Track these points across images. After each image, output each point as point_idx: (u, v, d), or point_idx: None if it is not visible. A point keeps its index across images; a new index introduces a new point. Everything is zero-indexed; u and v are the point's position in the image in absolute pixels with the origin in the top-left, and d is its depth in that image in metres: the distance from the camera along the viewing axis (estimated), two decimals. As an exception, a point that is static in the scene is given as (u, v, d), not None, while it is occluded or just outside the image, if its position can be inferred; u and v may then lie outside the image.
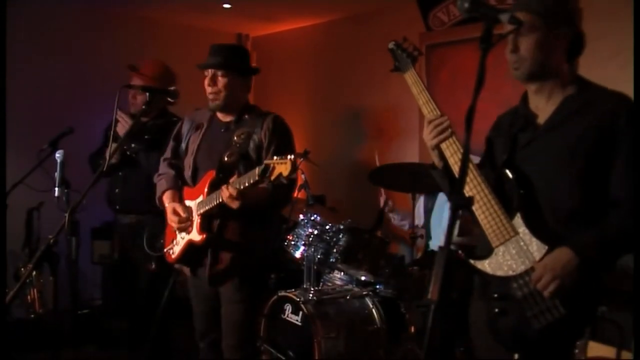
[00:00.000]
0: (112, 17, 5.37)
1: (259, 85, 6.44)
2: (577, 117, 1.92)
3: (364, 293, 3.85)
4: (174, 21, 5.75)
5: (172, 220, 2.74)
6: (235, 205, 2.46)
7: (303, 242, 3.95)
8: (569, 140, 1.91)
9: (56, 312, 3.85)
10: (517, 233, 1.90)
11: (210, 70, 2.72)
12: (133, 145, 3.55)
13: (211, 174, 2.65)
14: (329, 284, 4.10)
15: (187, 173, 2.82)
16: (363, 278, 4.07)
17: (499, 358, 1.97)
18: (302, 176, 4.78)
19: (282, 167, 2.28)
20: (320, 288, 3.89)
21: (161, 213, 3.46)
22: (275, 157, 2.31)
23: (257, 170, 2.30)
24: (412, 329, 3.67)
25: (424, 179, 3.86)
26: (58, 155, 3.22)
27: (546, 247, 1.86)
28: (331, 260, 3.96)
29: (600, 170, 1.87)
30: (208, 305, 2.81)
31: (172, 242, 2.78)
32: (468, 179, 1.94)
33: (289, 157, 2.28)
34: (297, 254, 3.91)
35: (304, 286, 3.77)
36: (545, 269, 1.83)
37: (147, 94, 2.81)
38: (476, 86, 1.52)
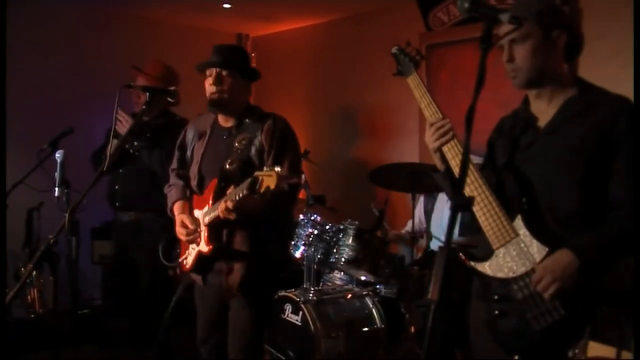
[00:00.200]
0: (112, 17, 5.37)
1: (259, 85, 6.42)
2: (578, 120, 1.92)
3: (364, 293, 3.85)
4: (174, 21, 5.75)
5: (180, 232, 2.72)
6: (232, 217, 2.44)
7: (303, 242, 3.95)
8: (569, 143, 1.91)
9: (56, 312, 3.86)
10: (517, 235, 1.90)
11: (214, 70, 2.68)
12: (135, 143, 3.55)
13: (214, 183, 2.63)
14: (329, 284, 4.10)
15: (193, 182, 2.79)
16: (363, 278, 4.07)
17: (498, 359, 1.97)
18: (302, 176, 4.78)
19: (268, 179, 2.26)
20: (320, 288, 3.89)
21: (161, 211, 3.47)
22: (264, 168, 2.30)
23: (245, 184, 2.28)
24: (412, 329, 3.67)
25: (424, 179, 3.87)
26: (58, 155, 3.22)
27: (546, 249, 1.86)
28: (331, 260, 3.97)
29: (600, 173, 1.87)
30: (213, 314, 2.78)
31: (186, 252, 2.77)
32: (469, 181, 1.94)
33: (275, 169, 2.25)
34: (297, 254, 3.91)
35: (304, 286, 3.78)
36: (545, 271, 1.83)
37: (148, 94, 2.80)
38: (476, 86, 1.52)
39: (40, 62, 4.93)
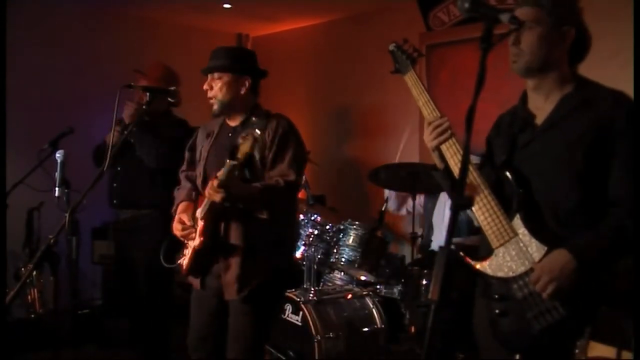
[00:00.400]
0: (112, 17, 5.37)
1: (260, 85, 6.44)
2: (576, 115, 1.91)
3: (364, 293, 3.85)
4: (174, 21, 5.75)
5: (176, 228, 2.71)
6: (218, 197, 2.42)
7: (303, 242, 3.96)
8: (567, 139, 1.90)
9: (56, 312, 3.86)
10: (516, 234, 1.90)
11: (208, 75, 2.70)
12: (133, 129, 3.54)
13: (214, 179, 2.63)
14: (329, 284, 4.10)
15: (199, 180, 2.78)
16: (363, 278, 4.08)
17: (501, 358, 1.97)
18: (302, 176, 4.78)
19: (245, 143, 2.30)
20: (320, 288, 3.89)
21: (159, 209, 3.47)
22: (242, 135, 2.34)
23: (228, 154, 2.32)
24: (412, 329, 3.67)
25: (424, 179, 3.88)
26: (58, 155, 3.21)
27: (545, 248, 1.86)
28: (331, 260, 3.97)
29: (599, 170, 1.86)
30: (209, 319, 2.72)
31: (185, 252, 2.75)
32: (468, 180, 1.94)
33: (255, 132, 2.30)
34: (297, 254, 3.92)
35: (304, 286, 3.78)
36: (543, 271, 1.83)
37: (148, 94, 2.80)
38: (476, 86, 1.52)
39: (40, 62, 4.93)
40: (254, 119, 2.69)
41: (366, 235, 3.92)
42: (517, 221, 1.91)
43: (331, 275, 4.15)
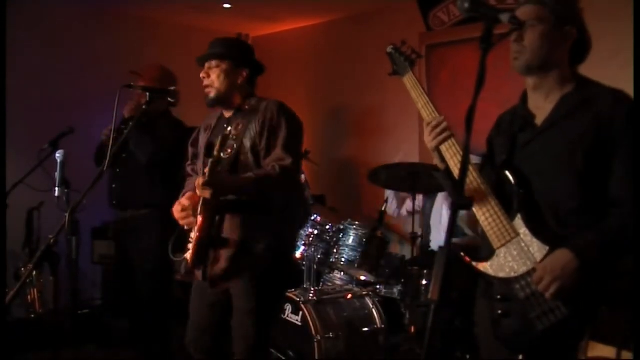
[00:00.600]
0: (112, 17, 5.37)
1: (259, 85, 6.44)
2: (576, 115, 1.91)
3: (364, 293, 3.85)
4: (174, 21, 5.75)
5: (176, 210, 2.67)
6: (207, 194, 2.40)
7: (303, 242, 3.96)
8: (567, 139, 1.90)
9: (56, 312, 3.85)
10: (518, 234, 1.90)
11: (205, 65, 2.67)
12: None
13: (200, 178, 2.61)
14: (329, 284, 4.10)
15: (201, 173, 2.78)
16: (363, 278, 4.08)
17: (503, 359, 1.97)
18: (302, 176, 4.78)
19: (217, 141, 2.30)
20: (320, 288, 3.89)
21: (158, 209, 3.47)
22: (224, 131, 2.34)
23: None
24: (412, 329, 3.67)
25: (424, 178, 3.87)
26: (58, 155, 3.21)
27: (547, 248, 1.86)
28: (331, 260, 3.97)
29: (599, 170, 1.86)
30: (209, 311, 2.68)
31: (189, 246, 2.74)
32: (468, 181, 1.94)
33: (225, 130, 2.32)
34: (297, 254, 3.92)
35: (304, 286, 3.78)
36: (545, 271, 1.83)
37: (148, 94, 2.79)
38: (476, 86, 1.52)
39: (40, 62, 4.93)
40: (246, 107, 2.66)
41: (366, 235, 3.92)
42: (518, 221, 1.91)
43: (331, 275, 4.15)
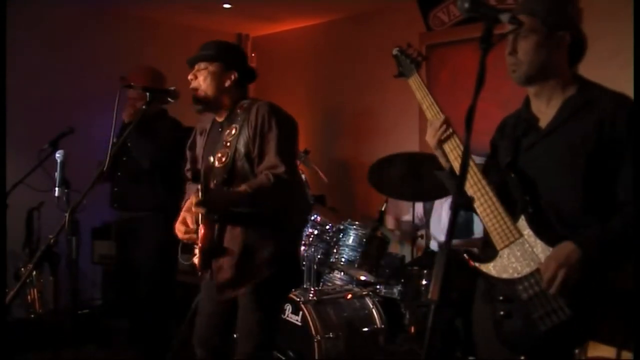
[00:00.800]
0: (112, 17, 5.37)
1: (259, 85, 6.44)
2: (578, 118, 1.92)
3: (364, 293, 3.85)
4: (174, 21, 5.75)
5: (178, 229, 2.65)
6: (201, 211, 2.44)
7: (303, 242, 3.95)
8: (570, 142, 1.91)
9: (56, 312, 3.86)
10: (521, 235, 1.90)
11: (195, 66, 2.64)
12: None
13: (194, 196, 2.56)
14: (329, 284, 4.10)
15: (201, 179, 2.77)
16: (363, 278, 4.08)
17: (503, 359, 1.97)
18: (302, 176, 4.78)
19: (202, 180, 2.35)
20: (320, 288, 3.89)
21: (160, 211, 3.47)
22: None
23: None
24: (412, 329, 3.67)
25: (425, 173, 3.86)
26: (58, 155, 3.21)
27: (551, 249, 1.86)
28: (331, 260, 3.97)
29: (603, 172, 1.87)
30: (218, 309, 2.67)
31: (195, 252, 2.74)
32: (472, 181, 1.94)
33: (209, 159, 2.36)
34: (297, 254, 3.92)
35: (304, 286, 3.78)
36: (549, 260, 1.83)
37: (148, 94, 2.79)
38: (476, 86, 1.52)
39: (40, 62, 4.93)
40: (237, 111, 2.62)
41: (366, 235, 3.92)
42: (522, 222, 1.91)
43: (331, 275, 4.14)
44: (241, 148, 2.54)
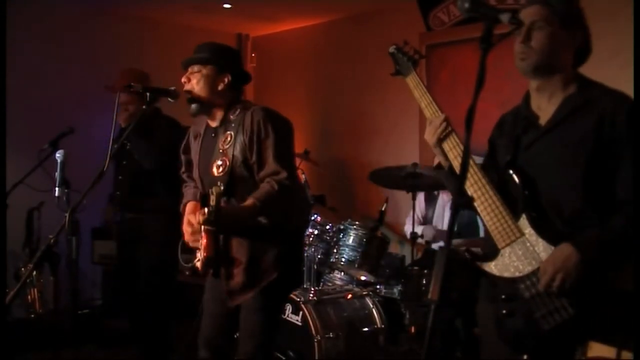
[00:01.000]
0: (112, 17, 5.37)
1: (259, 85, 6.45)
2: (578, 116, 1.92)
3: (364, 293, 3.85)
4: (174, 21, 5.75)
5: (186, 231, 2.66)
6: (211, 228, 2.42)
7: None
8: (570, 140, 1.91)
9: (56, 312, 3.86)
10: (523, 234, 1.89)
11: (188, 69, 2.62)
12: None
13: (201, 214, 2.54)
14: (329, 284, 4.10)
15: (199, 186, 2.74)
16: (363, 278, 4.08)
17: (507, 359, 1.97)
18: (302, 176, 4.78)
19: (212, 196, 2.29)
20: (320, 288, 3.89)
21: (162, 211, 3.46)
22: (218, 183, 2.35)
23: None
24: (412, 329, 3.67)
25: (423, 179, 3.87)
26: (58, 155, 3.21)
27: (552, 248, 1.86)
28: (331, 260, 3.97)
29: (603, 171, 1.87)
30: (222, 308, 2.65)
31: (198, 254, 2.73)
32: (472, 180, 1.94)
33: (220, 187, 2.33)
34: (298, 254, 3.92)
35: (304, 286, 3.78)
36: (547, 264, 1.83)
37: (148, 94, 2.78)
38: (476, 86, 1.52)
39: (40, 62, 4.94)
40: (231, 117, 2.60)
41: (366, 235, 3.92)
42: (523, 221, 1.91)
43: (331, 275, 4.14)
44: (238, 155, 2.53)
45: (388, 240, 4.09)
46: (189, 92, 2.58)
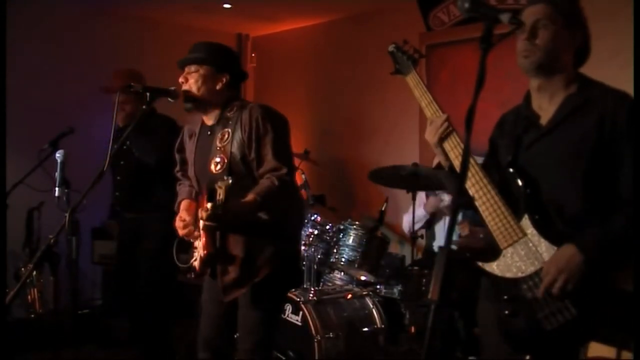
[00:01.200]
0: (112, 17, 5.37)
1: (259, 85, 6.45)
2: (579, 116, 1.92)
3: (364, 293, 3.85)
4: (174, 21, 5.75)
5: (178, 226, 2.68)
6: (213, 225, 2.41)
7: (303, 242, 3.95)
8: (571, 139, 1.90)
9: (56, 312, 3.86)
10: (525, 234, 1.89)
11: (185, 68, 2.62)
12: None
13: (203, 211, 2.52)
14: (329, 284, 4.10)
15: (194, 184, 2.75)
16: (363, 278, 4.08)
17: (508, 359, 1.96)
18: (302, 176, 4.78)
19: (220, 190, 2.26)
20: (320, 288, 3.89)
21: (162, 211, 3.47)
22: (224, 177, 2.31)
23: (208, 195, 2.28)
24: (412, 329, 3.67)
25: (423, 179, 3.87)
26: (58, 155, 3.21)
27: (555, 248, 1.85)
28: (331, 260, 3.97)
29: (604, 170, 1.87)
30: (221, 308, 2.66)
31: (194, 255, 2.73)
32: (474, 180, 1.94)
33: (228, 180, 2.27)
34: (297, 254, 3.92)
35: (304, 286, 3.78)
36: (550, 264, 1.83)
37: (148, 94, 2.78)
38: (476, 86, 1.52)
39: (40, 62, 4.93)
40: (227, 114, 2.60)
41: (366, 235, 3.92)
42: (526, 221, 1.90)
43: (331, 275, 4.14)
44: (236, 152, 2.53)
45: (388, 240, 4.09)
46: (188, 91, 2.58)
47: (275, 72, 6.22)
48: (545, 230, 1.88)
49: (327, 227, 4.04)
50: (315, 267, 3.87)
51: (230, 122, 2.58)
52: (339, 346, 3.51)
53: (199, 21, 5.74)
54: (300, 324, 3.53)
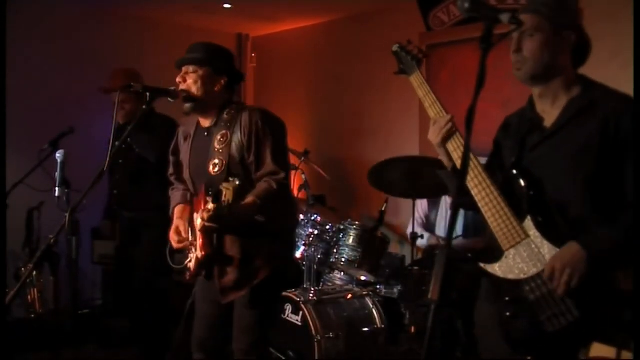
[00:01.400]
0: (112, 17, 5.37)
1: (259, 85, 6.45)
2: (582, 119, 1.91)
3: (364, 293, 3.85)
4: (174, 21, 5.75)
5: (172, 239, 2.67)
6: (214, 226, 2.42)
7: (303, 242, 3.96)
8: (575, 143, 1.90)
9: (56, 312, 3.86)
10: (528, 236, 1.89)
11: (183, 68, 2.62)
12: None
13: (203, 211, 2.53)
14: (329, 284, 4.10)
15: (189, 187, 2.75)
16: (363, 278, 4.08)
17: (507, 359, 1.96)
18: (302, 176, 4.78)
19: (228, 192, 2.25)
20: (320, 288, 3.89)
21: (160, 210, 3.47)
22: (230, 179, 2.30)
23: (213, 196, 2.28)
24: (412, 329, 3.67)
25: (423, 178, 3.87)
26: (58, 155, 3.22)
27: (558, 250, 1.86)
28: (331, 260, 3.97)
29: (608, 173, 1.87)
30: (215, 308, 2.68)
31: (190, 256, 2.73)
32: (477, 181, 1.94)
33: (235, 182, 2.26)
34: (297, 254, 3.92)
35: (304, 286, 3.78)
36: (555, 260, 1.83)
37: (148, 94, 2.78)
38: (476, 86, 1.52)
39: (40, 62, 4.93)
40: (224, 116, 2.60)
41: (366, 235, 3.92)
42: (529, 223, 1.90)
43: (331, 275, 4.14)
44: (235, 154, 2.53)
45: (388, 240, 4.09)
46: (186, 91, 2.58)
47: (275, 72, 6.22)
48: (548, 232, 1.88)
49: (327, 227, 4.04)
50: (315, 267, 3.87)
51: (228, 124, 2.58)
52: (339, 346, 3.51)
53: (199, 21, 5.74)
54: (300, 324, 3.53)
